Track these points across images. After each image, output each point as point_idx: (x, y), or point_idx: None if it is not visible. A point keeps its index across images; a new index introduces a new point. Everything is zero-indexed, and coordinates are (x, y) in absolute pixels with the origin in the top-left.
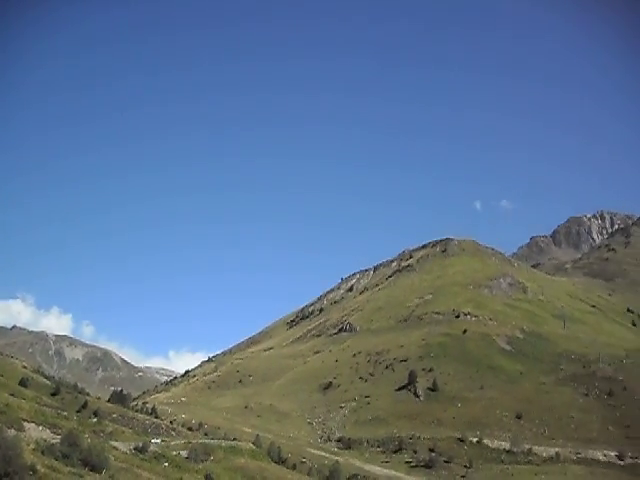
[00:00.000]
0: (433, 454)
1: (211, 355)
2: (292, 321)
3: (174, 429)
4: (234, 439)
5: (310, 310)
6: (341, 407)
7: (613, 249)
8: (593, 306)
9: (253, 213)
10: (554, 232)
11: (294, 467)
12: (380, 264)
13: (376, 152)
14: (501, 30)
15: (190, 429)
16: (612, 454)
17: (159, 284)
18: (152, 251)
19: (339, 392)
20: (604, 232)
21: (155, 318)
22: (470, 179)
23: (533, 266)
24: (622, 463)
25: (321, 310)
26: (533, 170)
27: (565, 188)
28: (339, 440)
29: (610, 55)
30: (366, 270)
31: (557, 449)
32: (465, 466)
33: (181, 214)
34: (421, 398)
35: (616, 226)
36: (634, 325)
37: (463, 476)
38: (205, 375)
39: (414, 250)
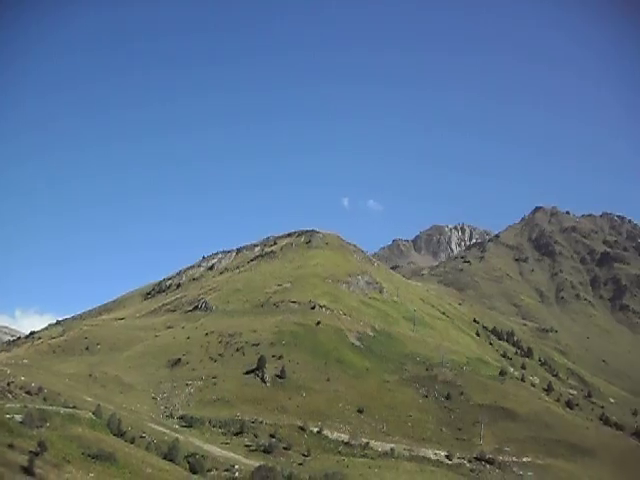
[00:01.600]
0: (273, 440)
1: (60, 318)
2: (148, 293)
3: (11, 392)
4: (74, 407)
5: (168, 284)
6: (187, 385)
7: (468, 261)
8: (443, 313)
9: (124, 176)
10: (416, 237)
11: (133, 441)
12: (243, 247)
13: (253, 137)
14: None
15: (28, 393)
16: (442, 454)
17: (10, 236)
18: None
19: (187, 370)
20: (462, 244)
21: (2, 273)
22: (340, 175)
23: (392, 268)
24: (450, 462)
25: (179, 285)
26: (403, 175)
27: (431, 196)
28: (181, 418)
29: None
30: (229, 251)
31: (392, 445)
32: (303, 454)
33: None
34: (268, 384)
35: (474, 240)
36: (478, 335)
37: (300, 464)
38: (51, 338)
39: (279, 237)
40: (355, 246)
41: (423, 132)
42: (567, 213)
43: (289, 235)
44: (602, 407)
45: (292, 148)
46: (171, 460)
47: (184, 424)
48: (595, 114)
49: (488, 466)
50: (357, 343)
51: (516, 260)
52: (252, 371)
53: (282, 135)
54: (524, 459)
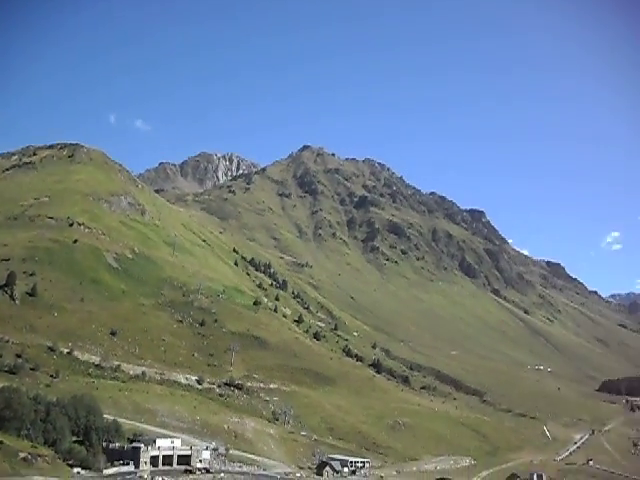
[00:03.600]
0: (19, 360)
1: None
2: None
3: None
4: None
5: None
6: None
7: (233, 191)
8: (204, 240)
9: None
10: (183, 163)
11: None
12: None
13: (18, 39)
14: None
15: None
16: (193, 378)
17: None
18: None
19: None
20: (229, 174)
21: None
22: (107, 89)
23: (157, 191)
24: (200, 387)
25: None
26: (175, 96)
27: (202, 122)
28: None
29: None
30: None
31: (144, 369)
32: (52, 375)
33: None
34: (17, 301)
35: (241, 171)
36: (236, 265)
37: (48, 385)
38: None
39: (39, 148)
40: (120, 165)
41: (197, 55)
42: (332, 155)
43: (51, 147)
44: (346, 340)
45: (58, 55)
46: None
47: None
48: (367, 64)
49: (237, 391)
50: (114, 264)
51: (280, 195)
52: (0, 287)
53: (51, 43)
54: (271, 386)
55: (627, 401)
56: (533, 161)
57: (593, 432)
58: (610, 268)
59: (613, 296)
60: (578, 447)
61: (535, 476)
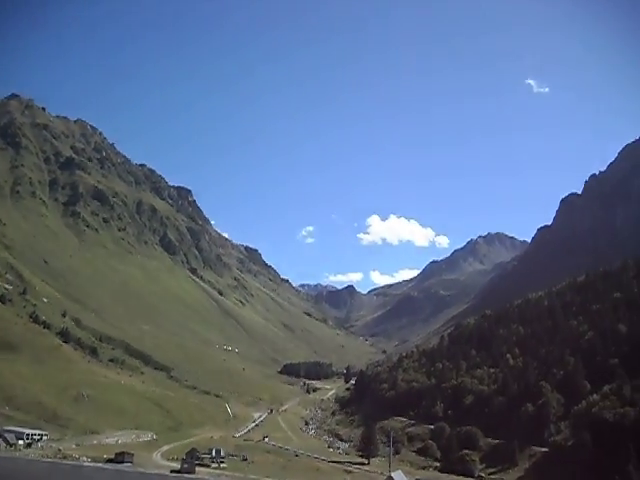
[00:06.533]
0: None
1: None
2: None
3: None
4: None
5: None
6: None
7: None
8: None
9: None
10: None
11: None
12: None
13: None
14: None
15: None
16: None
17: None
18: None
19: None
20: None
21: None
22: None
23: None
24: None
25: None
26: None
27: None
28: None
29: None
30: None
31: None
32: None
33: None
34: None
35: None
36: None
37: None
38: None
39: None
40: None
41: None
42: (43, 109)
43: None
44: (35, 305)
45: None
46: None
47: None
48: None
49: None
50: None
51: None
52: None
53: None
54: None
55: (304, 383)
56: (244, 149)
57: (271, 411)
58: (302, 259)
59: (302, 286)
60: (257, 425)
61: (214, 451)
